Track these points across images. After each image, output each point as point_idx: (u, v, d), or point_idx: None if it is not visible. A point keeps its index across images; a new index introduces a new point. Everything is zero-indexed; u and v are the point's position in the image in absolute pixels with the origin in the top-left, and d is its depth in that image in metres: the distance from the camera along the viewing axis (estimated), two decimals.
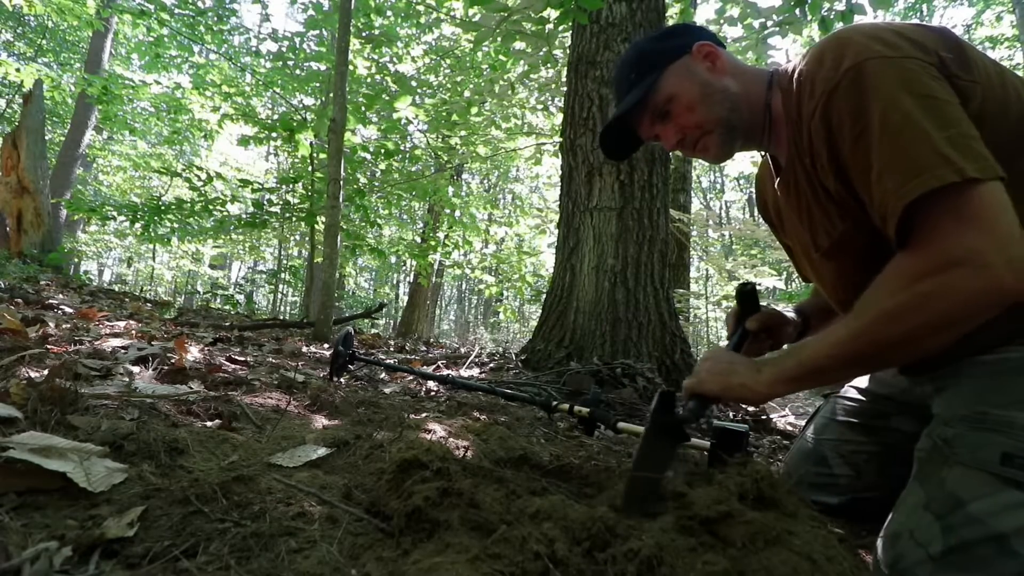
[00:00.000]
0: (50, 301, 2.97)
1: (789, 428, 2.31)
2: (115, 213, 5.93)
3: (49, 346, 1.52)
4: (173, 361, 1.56)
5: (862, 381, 1.21)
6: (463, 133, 6.78)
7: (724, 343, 1.17)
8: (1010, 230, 0.67)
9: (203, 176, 5.98)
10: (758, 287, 1.21)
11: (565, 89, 3.22)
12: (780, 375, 0.83)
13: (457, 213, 8.51)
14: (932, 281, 0.69)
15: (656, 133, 1.04)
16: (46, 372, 1.15)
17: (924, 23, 0.85)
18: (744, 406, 2.37)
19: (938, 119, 0.71)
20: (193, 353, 1.87)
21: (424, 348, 4.28)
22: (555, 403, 1.40)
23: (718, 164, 1.08)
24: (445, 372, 2.60)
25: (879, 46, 0.77)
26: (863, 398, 1.17)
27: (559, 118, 5.30)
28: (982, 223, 0.67)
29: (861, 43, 0.78)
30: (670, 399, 0.90)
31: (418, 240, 9.87)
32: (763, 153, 1.11)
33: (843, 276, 0.95)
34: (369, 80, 6.62)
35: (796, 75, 0.89)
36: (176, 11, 7.80)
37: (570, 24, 3.08)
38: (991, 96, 0.78)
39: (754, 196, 1.31)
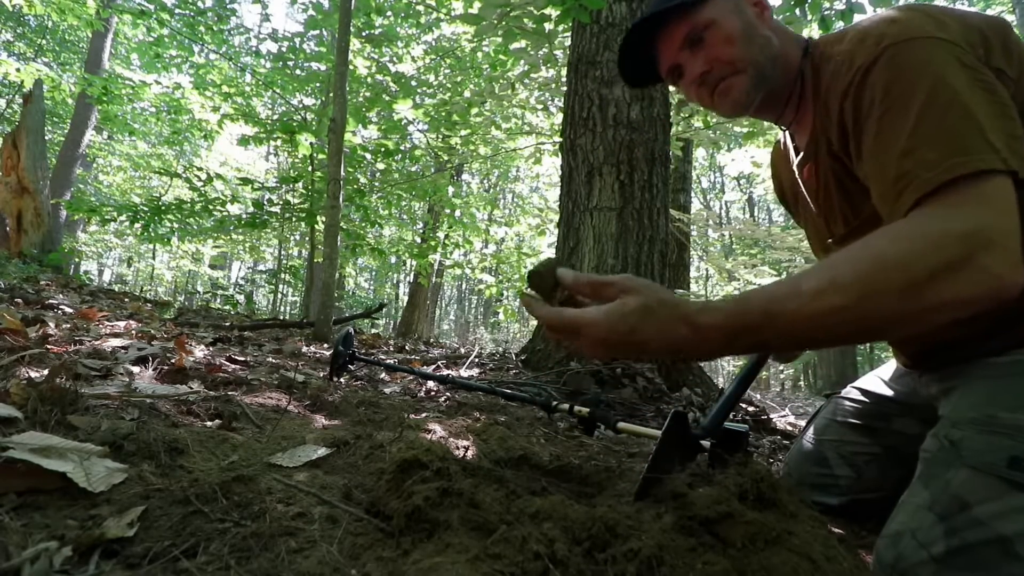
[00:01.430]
0: (50, 301, 2.97)
1: (789, 428, 2.32)
2: (115, 213, 5.93)
3: (49, 346, 1.52)
4: (173, 361, 1.56)
5: (866, 382, 1.20)
6: (463, 133, 6.79)
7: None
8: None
9: (203, 176, 5.98)
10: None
11: (565, 89, 3.22)
12: (727, 321, 0.63)
13: (457, 213, 8.51)
14: (964, 252, 0.60)
15: (680, 61, 0.94)
16: (46, 372, 1.15)
17: (975, 9, 0.84)
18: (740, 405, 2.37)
19: (988, 106, 0.68)
20: (193, 353, 1.87)
21: (424, 348, 4.28)
22: (555, 403, 1.40)
23: (732, 116, 0.97)
24: (445, 372, 2.60)
25: (929, 26, 0.74)
26: (865, 399, 1.17)
27: (559, 118, 5.30)
28: (1013, 216, 0.64)
29: (909, 21, 0.75)
30: (683, 419, 0.85)
31: (418, 240, 9.87)
32: (783, 128, 1.05)
33: None
34: (369, 80, 6.62)
35: (833, 51, 0.84)
36: (176, 11, 7.80)
37: (570, 24, 3.08)
38: (1020, 92, 0.75)
39: (770, 180, 1.27)
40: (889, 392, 1.14)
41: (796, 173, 1.02)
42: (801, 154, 0.98)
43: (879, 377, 1.19)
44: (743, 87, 0.91)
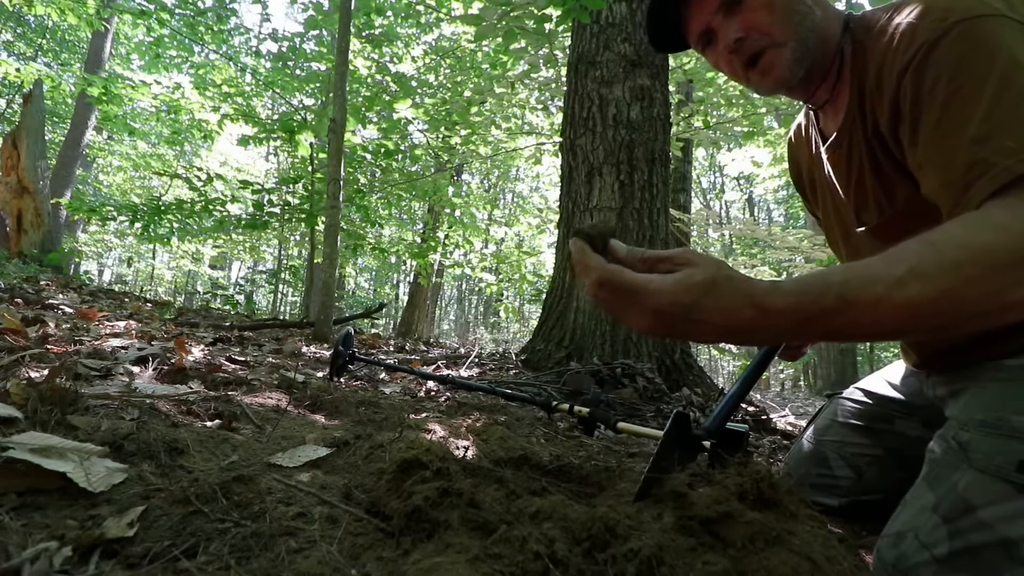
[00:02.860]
0: (50, 301, 2.97)
1: (789, 428, 2.31)
2: (115, 213, 5.94)
3: (49, 346, 1.52)
4: (173, 361, 1.56)
5: (869, 383, 1.20)
6: (463, 133, 6.79)
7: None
8: None
9: (203, 176, 5.98)
10: None
11: (565, 89, 3.22)
12: (799, 306, 0.56)
13: (457, 213, 8.51)
14: None
15: (713, 25, 0.86)
16: (46, 372, 1.15)
17: None
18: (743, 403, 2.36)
19: None
20: (193, 353, 1.87)
21: (424, 348, 4.28)
22: (555, 403, 1.40)
23: (770, 94, 0.90)
24: (445, 372, 2.60)
25: (997, 2, 0.68)
26: (868, 400, 1.16)
27: (559, 118, 5.30)
28: None
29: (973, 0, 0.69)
30: (685, 420, 0.83)
31: (418, 240, 9.87)
32: (810, 108, 0.99)
33: None
34: (369, 80, 6.63)
35: (883, 25, 0.78)
36: (176, 11, 7.80)
37: (570, 24, 3.08)
38: None
39: (787, 165, 1.21)
40: (893, 393, 1.13)
41: (823, 157, 0.96)
42: (832, 137, 0.91)
43: (883, 378, 1.18)
44: (785, 63, 0.83)
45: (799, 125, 1.11)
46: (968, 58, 0.66)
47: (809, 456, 1.17)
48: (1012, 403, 0.75)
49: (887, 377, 1.17)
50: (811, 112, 1.00)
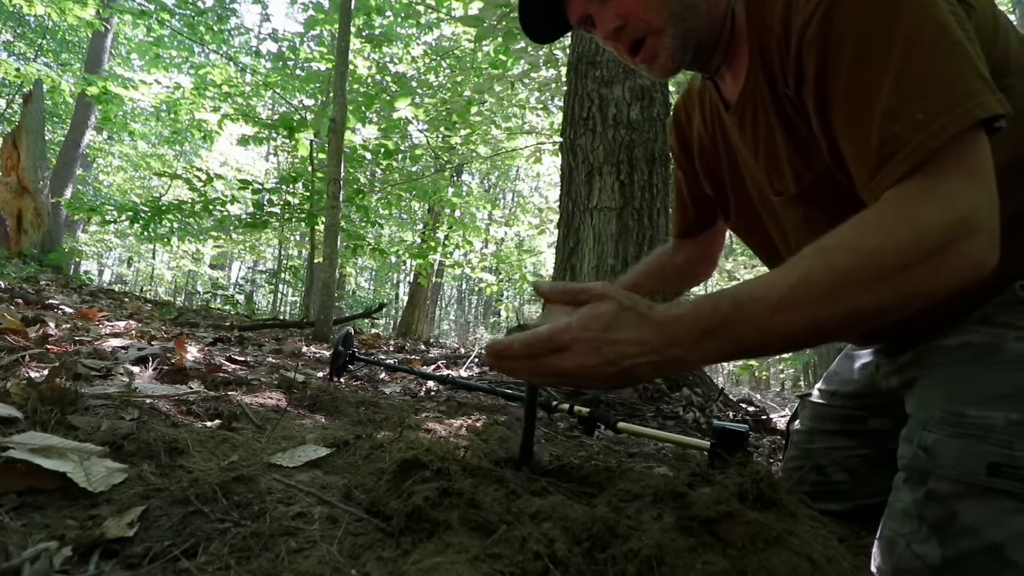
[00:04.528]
0: (50, 301, 2.97)
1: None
2: (115, 213, 5.94)
3: (49, 346, 1.52)
4: (173, 361, 1.56)
5: (829, 382, 1.14)
6: (463, 133, 6.79)
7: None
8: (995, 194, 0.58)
9: (203, 176, 5.98)
10: None
11: (565, 89, 3.22)
12: (693, 315, 0.59)
13: (457, 213, 8.51)
14: (944, 242, 0.55)
15: (590, 12, 0.82)
16: (46, 372, 1.15)
17: None
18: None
19: (969, 44, 0.60)
20: (193, 353, 1.87)
21: (424, 348, 4.28)
22: (555, 403, 1.40)
23: (662, 79, 0.87)
24: (445, 372, 2.59)
25: None
26: (832, 403, 1.11)
27: (559, 118, 5.30)
28: (987, 180, 0.58)
29: None
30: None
31: (418, 240, 9.87)
32: (707, 77, 0.93)
33: (810, 224, 0.79)
34: (369, 80, 6.63)
35: None
36: (176, 11, 7.80)
37: None
38: (982, 27, 0.68)
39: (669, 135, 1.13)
40: (850, 388, 1.08)
41: (726, 125, 0.91)
42: (735, 101, 0.85)
43: (837, 374, 1.13)
44: (668, 51, 0.80)
45: (691, 92, 1.04)
46: (874, 12, 0.62)
47: (804, 465, 1.14)
48: (965, 394, 0.74)
49: (840, 373, 1.12)
50: (714, 85, 0.94)
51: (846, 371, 1.11)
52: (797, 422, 1.20)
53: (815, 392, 1.17)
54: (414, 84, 6.52)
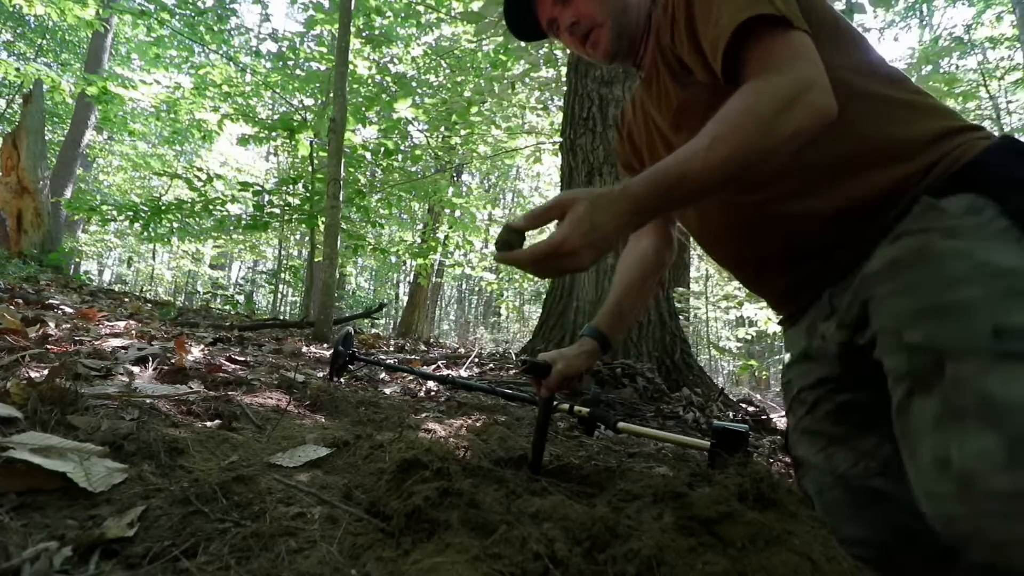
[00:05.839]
0: (50, 301, 2.97)
1: None
2: (115, 213, 5.94)
3: (49, 346, 1.52)
4: (173, 361, 1.56)
5: (797, 381, 1.03)
6: (463, 133, 6.79)
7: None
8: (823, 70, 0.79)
9: (203, 176, 5.98)
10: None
11: (565, 89, 3.22)
12: (648, 184, 0.78)
13: (457, 213, 8.51)
14: (793, 94, 0.76)
15: (555, 15, 1.08)
16: (46, 372, 1.15)
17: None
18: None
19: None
20: (193, 353, 1.87)
21: (424, 348, 4.28)
22: (555, 403, 1.39)
23: (605, 64, 1.12)
24: (445, 372, 2.59)
25: None
26: (819, 401, 0.99)
27: (559, 118, 5.30)
28: (812, 57, 0.79)
29: None
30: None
31: (418, 240, 9.87)
32: (638, 71, 1.13)
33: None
34: (369, 80, 6.63)
35: None
36: (176, 11, 7.80)
37: None
38: None
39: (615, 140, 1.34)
40: (823, 371, 0.99)
41: (644, 100, 1.11)
42: (646, 70, 1.08)
43: (796, 367, 1.05)
44: (607, 39, 1.05)
45: (630, 99, 1.25)
46: None
47: (850, 502, 0.92)
48: (928, 289, 0.73)
49: (794, 380, 1.04)
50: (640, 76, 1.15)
51: (798, 355, 1.04)
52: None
53: (797, 398, 1.05)
54: (414, 84, 6.52)
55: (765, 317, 6.40)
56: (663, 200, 0.78)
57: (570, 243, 0.76)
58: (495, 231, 12.14)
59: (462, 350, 4.20)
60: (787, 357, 1.12)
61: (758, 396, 6.10)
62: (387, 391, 1.93)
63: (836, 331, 0.90)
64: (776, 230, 0.95)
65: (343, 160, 3.70)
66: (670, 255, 1.30)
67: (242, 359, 2.02)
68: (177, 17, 8.10)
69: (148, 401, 1.09)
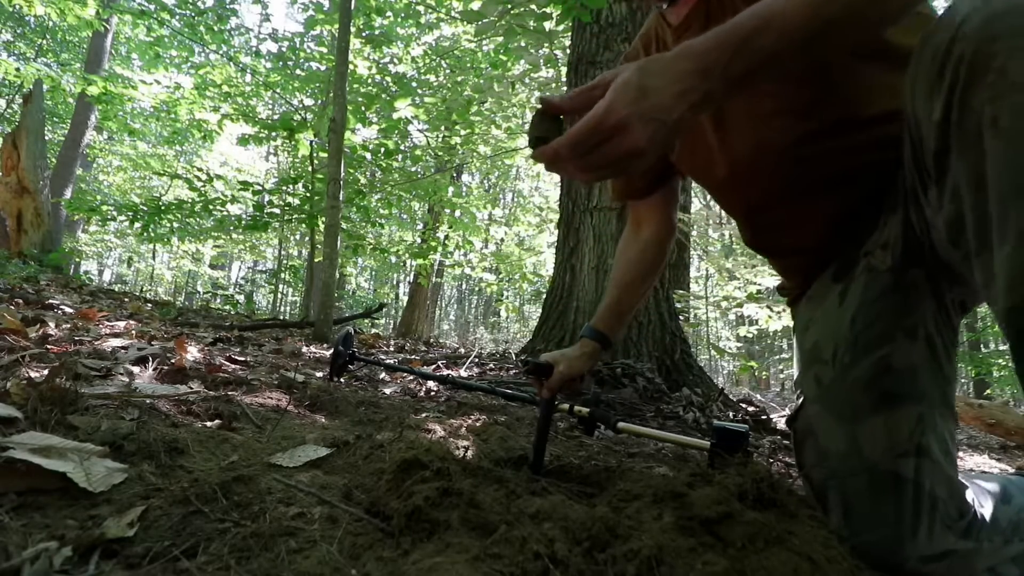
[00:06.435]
0: (50, 301, 2.97)
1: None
2: (115, 213, 5.94)
3: (49, 346, 1.52)
4: (173, 361, 1.56)
5: (832, 331, 0.89)
6: (463, 133, 6.79)
7: None
8: None
9: (203, 176, 5.98)
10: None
11: (565, 89, 3.21)
12: (720, 35, 0.63)
13: (457, 213, 8.51)
14: None
15: None
16: (46, 372, 1.15)
17: None
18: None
19: None
20: (193, 353, 1.87)
21: (424, 348, 4.28)
22: (556, 403, 1.39)
23: None
24: (445, 372, 2.59)
25: None
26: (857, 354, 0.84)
27: None
28: None
29: None
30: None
31: (418, 240, 9.87)
32: (660, 10, 1.02)
33: (752, 107, 0.88)
34: (369, 80, 6.63)
35: None
36: (176, 11, 7.80)
37: (570, 23, 3.08)
38: None
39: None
40: (868, 295, 0.86)
41: (669, 45, 1.00)
42: (684, 20, 0.95)
43: (817, 326, 0.93)
44: None
45: (643, 36, 1.12)
46: None
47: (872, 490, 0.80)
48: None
49: (821, 346, 0.91)
50: (661, 17, 1.02)
51: (825, 336, 0.90)
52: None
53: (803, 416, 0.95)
54: (414, 84, 6.52)
55: (766, 316, 6.40)
56: (736, 58, 0.61)
57: (615, 113, 0.60)
58: (495, 231, 12.13)
59: (462, 350, 4.20)
60: (795, 345, 1.02)
61: (758, 396, 6.11)
62: (387, 391, 1.93)
63: (897, 225, 0.80)
64: (826, 157, 0.86)
65: (343, 160, 3.70)
66: (671, 245, 1.23)
67: (242, 359, 2.02)
68: (177, 17, 8.10)
69: (148, 401, 1.09)
